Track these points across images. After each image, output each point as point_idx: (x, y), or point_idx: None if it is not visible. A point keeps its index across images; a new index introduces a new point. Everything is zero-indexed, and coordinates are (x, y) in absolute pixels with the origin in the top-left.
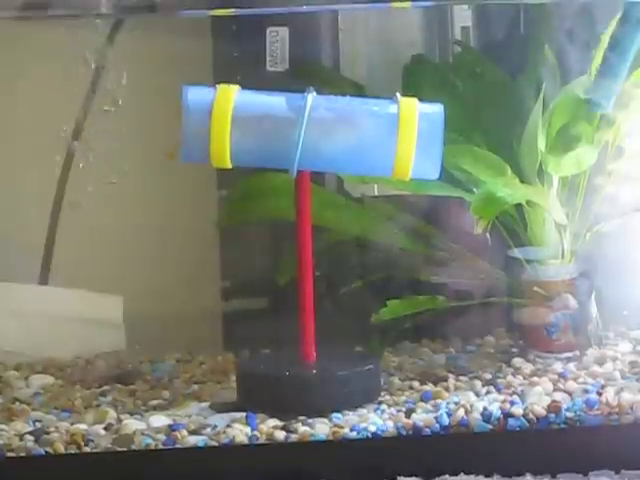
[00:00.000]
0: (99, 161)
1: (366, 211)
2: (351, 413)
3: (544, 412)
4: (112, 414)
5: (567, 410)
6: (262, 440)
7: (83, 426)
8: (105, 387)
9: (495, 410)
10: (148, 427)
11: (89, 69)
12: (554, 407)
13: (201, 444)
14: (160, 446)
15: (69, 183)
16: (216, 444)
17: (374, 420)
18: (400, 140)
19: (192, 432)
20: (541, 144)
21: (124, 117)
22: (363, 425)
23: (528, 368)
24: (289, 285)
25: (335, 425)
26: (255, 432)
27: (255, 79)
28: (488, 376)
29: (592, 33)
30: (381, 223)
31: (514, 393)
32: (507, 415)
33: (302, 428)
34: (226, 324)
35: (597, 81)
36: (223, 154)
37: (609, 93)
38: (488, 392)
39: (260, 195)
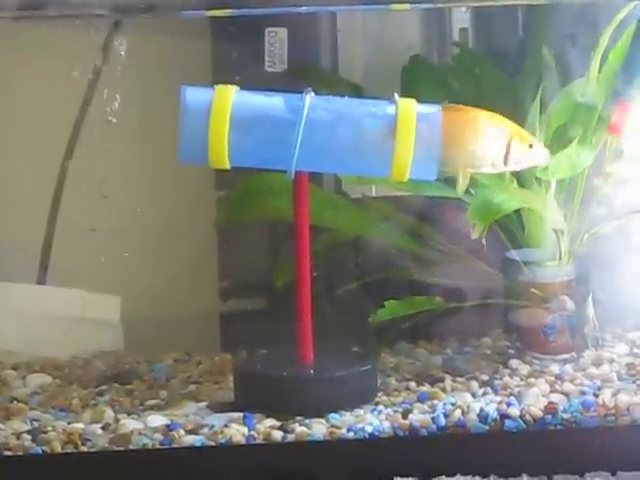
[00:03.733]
0: (97, 161)
1: (364, 212)
2: (348, 413)
3: (541, 413)
4: (109, 414)
5: (564, 411)
6: (259, 440)
7: (80, 425)
8: (102, 387)
9: (492, 411)
10: (145, 427)
11: (87, 70)
12: (551, 408)
13: (198, 444)
14: (157, 446)
15: (67, 182)
16: (213, 444)
17: (371, 420)
18: (398, 141)
19: (189, 432)
20: None
21: (122, 117)
22: (360, 425)
23: (525, 369)
24: (287, 285)
25: (332, 425)
26: (252, 432)
27: (253, 80)
28: (485, 377)
29: (590, 35)
30: (379, 224)
31: (511, 394)
32: (504, 416)
33: (299, 428)
34: (224, 324)
35: None
36: (221, 155)
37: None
38: (485, 393)
39: (258, 195)
